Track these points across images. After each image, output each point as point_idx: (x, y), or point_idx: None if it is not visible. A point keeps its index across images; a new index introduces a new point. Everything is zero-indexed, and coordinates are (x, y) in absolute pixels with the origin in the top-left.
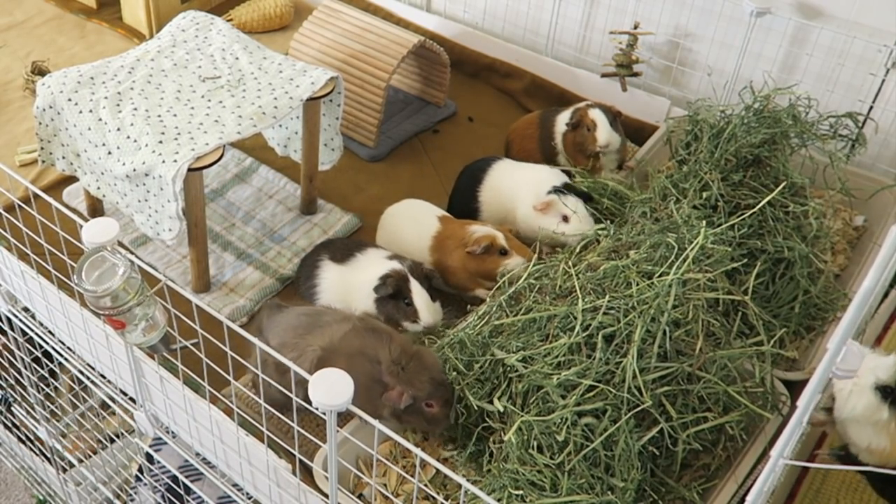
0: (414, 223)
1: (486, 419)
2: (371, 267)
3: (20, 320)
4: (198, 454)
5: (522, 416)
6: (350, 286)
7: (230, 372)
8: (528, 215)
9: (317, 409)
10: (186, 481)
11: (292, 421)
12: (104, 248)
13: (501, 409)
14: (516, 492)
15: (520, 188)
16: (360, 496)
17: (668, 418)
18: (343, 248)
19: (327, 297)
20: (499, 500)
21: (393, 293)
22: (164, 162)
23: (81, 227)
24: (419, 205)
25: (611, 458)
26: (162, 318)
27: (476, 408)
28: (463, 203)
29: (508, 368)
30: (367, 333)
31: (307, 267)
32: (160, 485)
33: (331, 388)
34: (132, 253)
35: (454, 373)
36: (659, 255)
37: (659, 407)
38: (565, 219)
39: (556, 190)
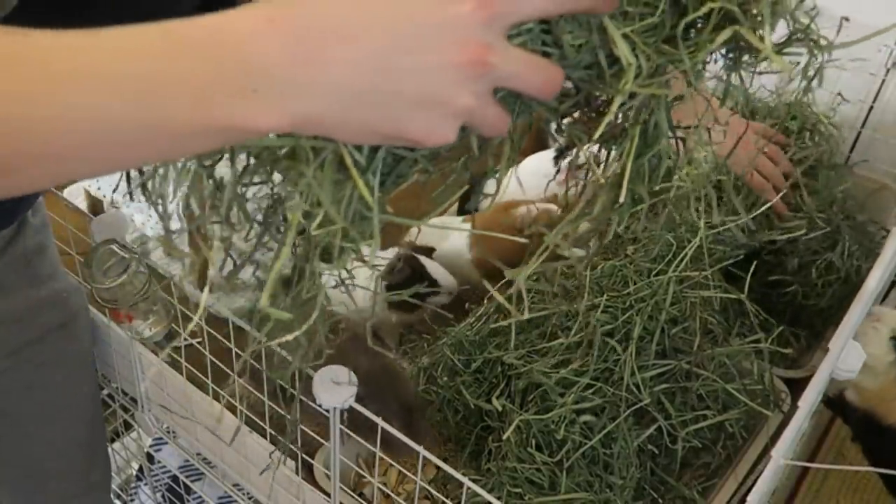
0: (442, 238)
1: (485, 418)
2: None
3: None
4: (198, 454)
5: (521, 414)
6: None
7: (234, 370)
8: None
9: (320, 405)
10: (187, 481)
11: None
12: (114, 241)
13: (500, 409)
14: (514, 489)
15: (524, 182)
16: (360, 495)
17: (666, 416)
18: None
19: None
20: (498, 499)
21: (410, 275)
22: None
23: (90, 222)
24: (437, 219)
25: (609, 455)
26: (167, 315)
27: (473, 406)
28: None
29: (507, 367)
30: (347, 337)
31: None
32: (160, 485)
33: (334, 386)
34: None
35: (451, 373)
36: (657, 252)
37: (658, 405)
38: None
39: (558, 155)
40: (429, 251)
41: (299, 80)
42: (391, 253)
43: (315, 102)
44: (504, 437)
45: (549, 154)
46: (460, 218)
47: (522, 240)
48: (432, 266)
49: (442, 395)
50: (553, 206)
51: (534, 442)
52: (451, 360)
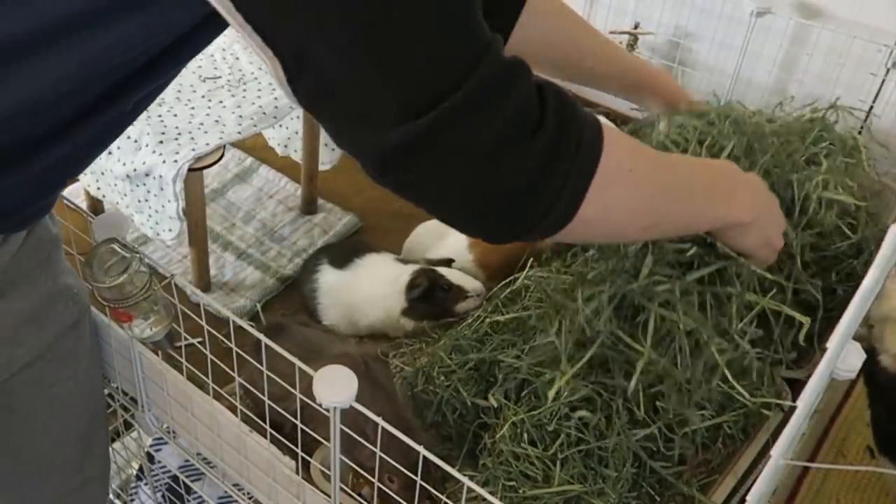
0: (435, 237)
1: (482, 415)
2: (382, 273)
3: None
4: (198, 454)
5: (516, 410)
6: (358, 294)
7: (235, 369)
8: None
9: (320, 405)
10: (187, 481)
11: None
12: (115, 241)
13: (496, 405)
14: (509, 482)
15: None
16: (358, 495)
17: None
18: (344, 254)
19: (328, 300)
20: (491, 493)
21: (428, 288)
22: (164, 162)
23: (91, 221)
24: (434, 223)
25: (604, 450)
26: (168, 314)
27: (470, 404)
28: None
29: (501, 365)
30: (365, 383)
31: (308, 272)
32: (160, 485)
33: (335, 385)
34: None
35: (446, 375)
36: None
37: (652, 404)
38: None
39: None
40: (447, 262)
41: (755, 197)
42: None
43: (756, 209)
44: (497, 435)
45: None
46: None
47: None
48: (452, 274)
49: (440, 395)
50: None
51: (526, 436)
52: (447, 360)
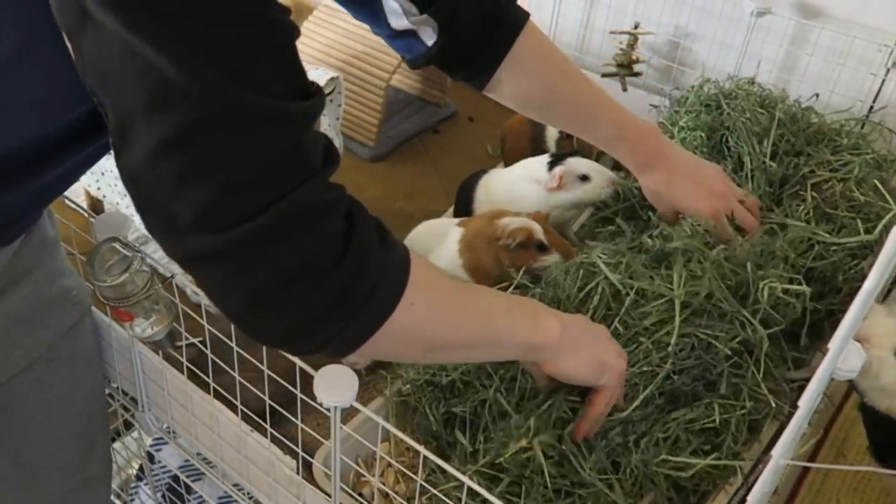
0: (435, 237)
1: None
2: None
3: None
4: (198, 453)
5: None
6: None
7: (235, 368)
8: (540, 203)
9: (321, 404)
10: (187, 481)
11: (295, 418)
12: (116, 240)
13: (463, 441)
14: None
15: (516, 188)
16: (359, 495)
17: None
18: None
19: None
20: None
21: None
22: None
23: (92, 221)
24: (435, 222)
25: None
26: (169, 313)
27: (433, 419)
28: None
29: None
30: None
31: None
32: (161, 484)
33: (335, 384)
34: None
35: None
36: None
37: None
38: (585, 178)
39: (553, 161)
40: None
41: (562, 323)
42: None
43: (565, 331)
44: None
45: (542, 160)
46: (456, 220)
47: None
48: None
49: (422, 402)
50: (535, 226)
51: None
52: (418, 376)
